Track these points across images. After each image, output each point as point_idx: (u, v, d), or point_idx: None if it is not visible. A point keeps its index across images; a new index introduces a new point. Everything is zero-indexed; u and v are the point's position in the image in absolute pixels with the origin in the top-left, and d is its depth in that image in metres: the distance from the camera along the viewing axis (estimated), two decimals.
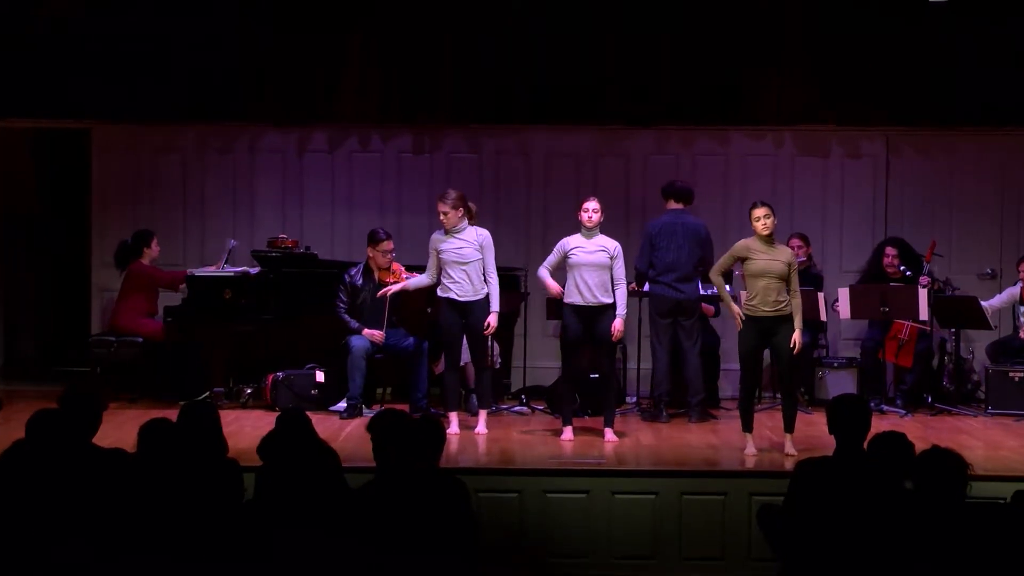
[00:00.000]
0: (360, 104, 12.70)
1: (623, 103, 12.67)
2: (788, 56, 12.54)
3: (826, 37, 12.50)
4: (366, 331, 11.15)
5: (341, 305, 11.25)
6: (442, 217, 10.29)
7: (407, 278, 11.11)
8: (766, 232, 9.51)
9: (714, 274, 9.78)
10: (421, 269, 11.35)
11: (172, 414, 6.93)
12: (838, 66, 12.50)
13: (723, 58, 12.52)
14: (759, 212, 9.55)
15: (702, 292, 11.30)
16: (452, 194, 10.36)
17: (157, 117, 12.75)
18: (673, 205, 11.26)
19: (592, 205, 10.04)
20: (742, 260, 9.55)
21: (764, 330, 9.45)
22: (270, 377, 11.39)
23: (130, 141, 13.09)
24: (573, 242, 10.04)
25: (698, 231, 11.10)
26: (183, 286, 11.82)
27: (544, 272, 10.23)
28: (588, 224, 10.02)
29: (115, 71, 12.47)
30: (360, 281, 11.25)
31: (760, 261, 9.44)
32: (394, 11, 12.55)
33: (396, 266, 11.32)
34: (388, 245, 11.28)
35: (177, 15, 12.42)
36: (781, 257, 9.48)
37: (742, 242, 9.64)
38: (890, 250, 12.11)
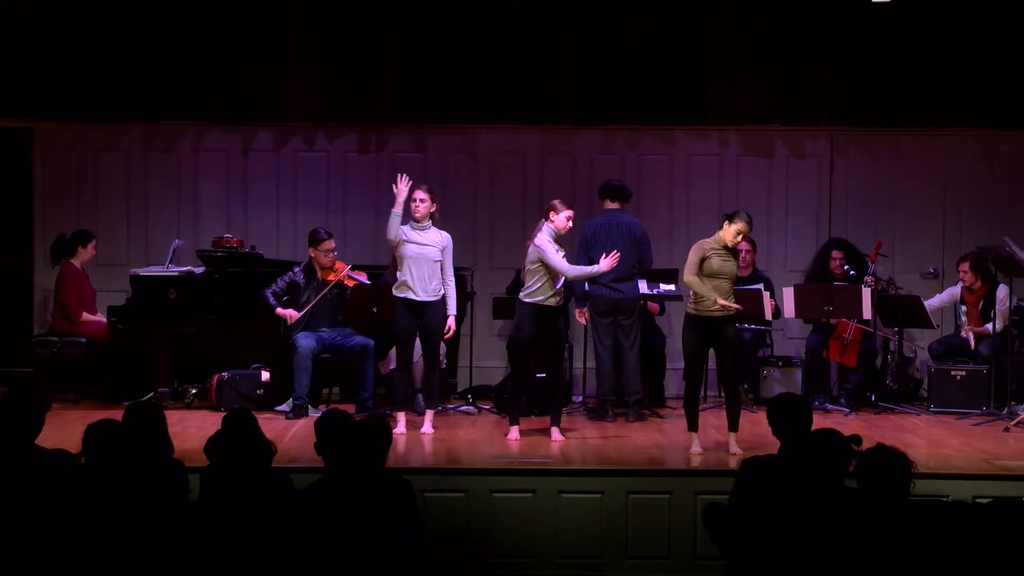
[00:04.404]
0: (304, 103, 12.69)
1: (570, 102, 12.71)
2: (735, 57, 12.61)
3: (772, 37, 12.58)
4: (279, 310, 11.14)
5: (273, 287, 11.22)
6: (420, 204, 10.20)
7: (351, 275, 11.15)
8: (733, 245, 9.54)
9: (687, 276, 9.51)
10: (367, 267, 11.39)
11: (116, 415, 6.87)
12: (785, 66, 12.60)
13: (671, 58, 12.57)
14: (743, 227, 9.48)
15: (646, 291, 11.32)
16: (426, 186, 10.40)
17: (100, 116, 12.68)
18: (610, 205, 11.25)
19: (571, 214, 10.04)
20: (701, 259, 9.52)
21: (710, 330, 9.48)
22: (215, 377, 11.33)
23: (73, 140, 12.99)
24: (554, 244, 10.02)
25: (633, 230, 11.06)
26: (84, 317, 11.85)
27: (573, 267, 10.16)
28: (564, 232, 10.03)
29: (57, 70, 12.42)
30: (302, 279, 11.23)
31: (716, 261, 9.45)
32: (338, 9, 12.53)
33: (339, 264, 11.31)
34: (329, 244, 11.28)
35: (118, 14, 12.37)
36: (735, 260, 9.58)
37: (703, 242, 9.57)
38: (836, 253, 12.19)
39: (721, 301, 9.45)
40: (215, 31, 12.48)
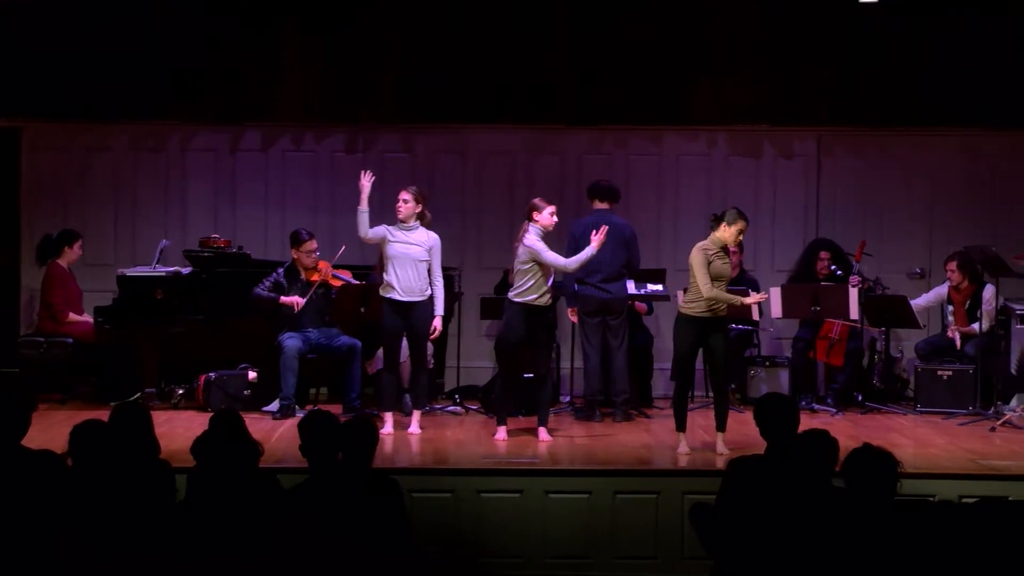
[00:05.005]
0: (303, 103, 12.69)
1: (569, 103, 12.71)
2: (734, 56, 12.63)
3: (761, 38, 12.60)
4: (284, 298, 11.13)
5: (259, 287, 11.20)
6: (403, 205, 10.20)
7: (335, 274, 11.16)
8: (735, 245, 9.57)
9: (709, 290, 9.32)
10: (354, 267, 11.39)
11: (102, 415, 6.87)
12: (773, 66, 12.61)
13: (661, 59, 12.58)
14: (744, 226, 9.48)
15: (634, 291, 11.32)
16: (414, 187, 10.41)
17: (97, 116, 12.66)
18: (599, 205, 11.25)
19: (554, 210, 10.02)
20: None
21: (703, 330, 9.46)
22: (202, 378, 11.32)
23: (61, 140, 12.97)
24: (543, 243, 9.99)
25: (623, 231, 11.04)
26: (70, 317, 11.83)
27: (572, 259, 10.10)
28: (551, 228, 10.02)
29: (46, 69, 12.39)
30: (285, 281, 11.21)
31: (718, 263, 9.45)
32: (338, 9, 12.53)
33: (322, 264, 11.30)
34: (311, 245, 11.27)
35: (109, 14, 12.36)
36: (730, 262, 9.62)
37: (704, 246, 9.46)
38: (824, 254, 12.21)
39: (747, 300, 9.53)
40: (214, 31, 12.47)
